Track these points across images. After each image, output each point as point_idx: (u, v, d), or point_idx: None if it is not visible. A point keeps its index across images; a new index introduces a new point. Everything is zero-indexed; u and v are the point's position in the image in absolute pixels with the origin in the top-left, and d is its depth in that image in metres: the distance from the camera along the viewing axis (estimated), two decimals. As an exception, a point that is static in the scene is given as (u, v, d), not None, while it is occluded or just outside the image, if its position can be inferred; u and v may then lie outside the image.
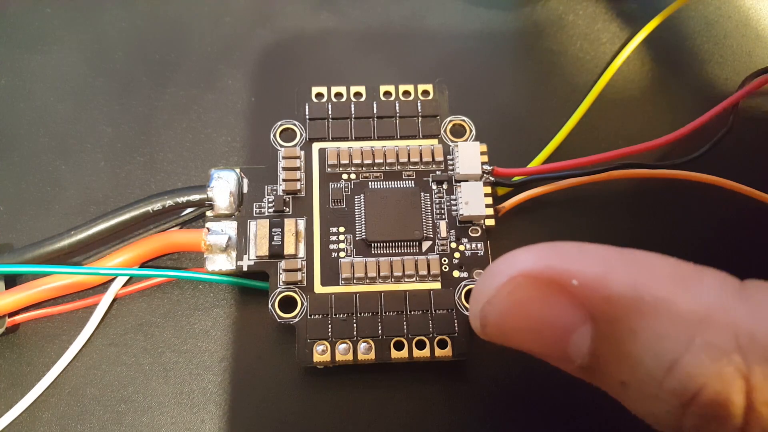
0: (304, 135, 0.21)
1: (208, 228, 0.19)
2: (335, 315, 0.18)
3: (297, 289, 0.19)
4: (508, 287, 0.13)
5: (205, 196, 0.19)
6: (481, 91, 0.23)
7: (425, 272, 0.19)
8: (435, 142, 0.21)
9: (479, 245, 0.19)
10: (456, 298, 0.19)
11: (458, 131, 0.21)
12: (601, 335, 0.12)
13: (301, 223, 0.19)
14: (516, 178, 0.20)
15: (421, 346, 0.18)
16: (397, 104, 0.21)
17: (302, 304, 0.19)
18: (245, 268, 0.19)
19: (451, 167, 0.20)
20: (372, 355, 0.18)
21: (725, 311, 0.11)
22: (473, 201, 0.19)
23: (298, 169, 0.20)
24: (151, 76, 0.23)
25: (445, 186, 0.20)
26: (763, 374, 0.11)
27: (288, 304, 0.19)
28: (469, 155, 0.20)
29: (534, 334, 0.13)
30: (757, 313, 0.11)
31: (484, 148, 0.20)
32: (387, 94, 0.21)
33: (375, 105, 0.21)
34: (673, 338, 0.11)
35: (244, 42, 0.24)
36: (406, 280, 0.19)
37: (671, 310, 0.11)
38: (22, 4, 0.24)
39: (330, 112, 0.21)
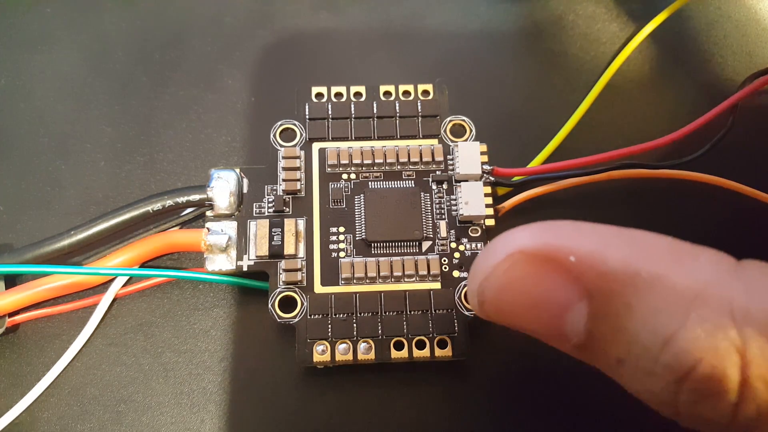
0: (304, 135, 0.21)
1: (208, 228, 0.19)
2: (335, 315, 0.18)
3: (297, 289, 0.19)
4: (505, 264, 0.13)
5: (205, 196, 0.19)
6: (481, 91, 0.23)
7: (425, 272, 0.19)
8: (435, 142, 0.21)
9: (479, 245, 0.19)
10: (456, 298, 0.19)
11: (458, 131, 0.21)
12: (598, 311, 0.12)
13: (301, 223, 0.19)
14: (516, 178, 0.20)
15: (421, 346, 0.18)
16: (397, 104, 0.21)
17: (302, 304, 0.19)
18: (245, 268, 0.19)
19: (451, 167, 0.20)
20: (372, 355, 0.18)
21: (721, 286, 0.11)
22: (473, 201, 0.19)
23: (298, 169, 0.20)
24: (151, 76, 0.23)
25: (445, 186, 0.20)
26: (759, 349, 0.11)
27: (288, 304, 0.19)
28: (469, 155, 0.20)
29: (530, 311, 0.13)
30: (753, 289, 0.11)
31: (484, 148, 0.20)
32: (387, 94, 0.21)
33: (375, 105, 0.21)
34: (668, 313, 0.11)
35: (244, 42, 0.24)
36: (406, 280, 0.19)
37: (667, 285, 0.11)
38: (22, 4, 0.24)
39: (330, 112, 0.21)
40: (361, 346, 0.18)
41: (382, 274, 0.19)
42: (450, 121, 0.21)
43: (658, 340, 0.11)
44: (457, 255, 0.19)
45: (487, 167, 0.20)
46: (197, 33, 0.24)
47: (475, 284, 0.14)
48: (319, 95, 0.21)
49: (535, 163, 0.21)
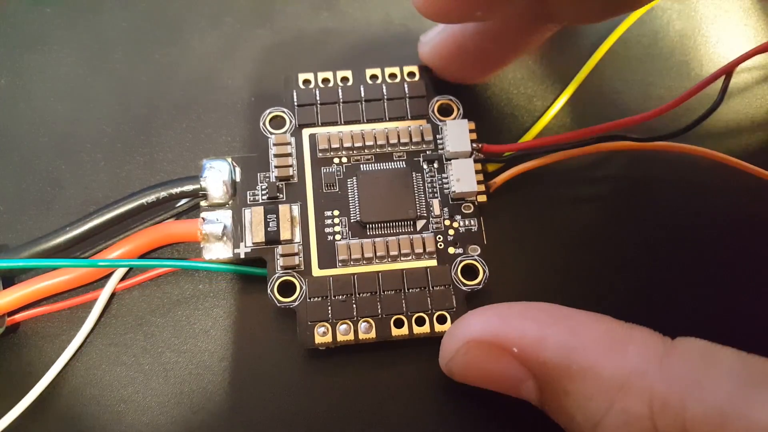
0: (293, 121, 0.21)
1: (203, 218, 0.19)
2: (334, 297, 0.18)
3: (295, 274, 0.19)
4: (462, 350, 0.15)
5: (199, 186, 0.19)
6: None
7: (421, 250, 0.19)
8: (423, 122, 0.21)
9: (473, 221, 0.19)
10: (452, 274, 0.19)
11: (446, 110, 0.21)
12: (543, 389, 0.14)
13: (296, 209, 0.19)
14: (506, 154, 0.20)
15: (420, 322, 0.18)
16: (384, 87, 0.21)
17: (301, 287, 0.18)
18: (242, 256, 0.19)
19: (440, 146, 0.20)
20: (373, 334, 0.18)
21: (643, 377, 0.13)
22: (464, 178, 0.19)
23: (289, 155, 0.20)
24: (151, 76, 0.23)
25: (435, 165, 0.20)
26: None
27: (287, 289, 0.19)
28: (458, 133, 0.20)
29: (491, 382, 0.16)
30: (673, 378, 0.12)
31: (472, 125, 0.20)
32: (373, 77, 0.21)
33: (362, 89, 0.21)
34: (597, 401, 0.13)
35: (244, 42, 0.24)
36: (402, 258, 0.19)
37: (596, 376, 0.13)
38: (22, 4, 0.24)
39: (318, 98, 0.21)
40: (362, 325, 0.18)
41: (378, 254, 0.19)
42: (437, 100, 0.21)
43: (589, 424, 0.13)
44: (451, 232, 0.19)
45: (476, 144, 0.20)
46: (197, 33, 0.24)
47: (443, 363, 0.17)
48: (306, 81, 0.21)
49: (525, 140, 0.21)
